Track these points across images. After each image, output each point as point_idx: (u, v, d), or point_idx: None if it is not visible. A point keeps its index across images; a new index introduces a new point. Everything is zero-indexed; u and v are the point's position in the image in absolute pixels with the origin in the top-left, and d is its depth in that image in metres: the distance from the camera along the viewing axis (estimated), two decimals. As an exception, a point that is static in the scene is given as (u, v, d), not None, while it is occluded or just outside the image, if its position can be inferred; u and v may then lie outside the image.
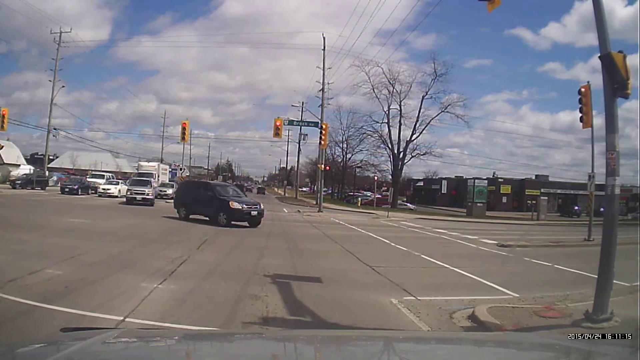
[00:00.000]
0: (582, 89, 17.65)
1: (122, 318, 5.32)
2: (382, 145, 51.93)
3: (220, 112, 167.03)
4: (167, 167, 60.54)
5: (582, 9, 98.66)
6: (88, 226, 15.30)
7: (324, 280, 8.49)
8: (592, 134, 20.31)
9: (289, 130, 59.30)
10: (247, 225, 18.38)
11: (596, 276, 8.70)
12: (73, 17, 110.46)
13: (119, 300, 6.08)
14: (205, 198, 19.22)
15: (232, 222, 17.96)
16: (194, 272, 8.40)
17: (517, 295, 8.06)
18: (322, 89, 37.50)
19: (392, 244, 15.34)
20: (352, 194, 62.60)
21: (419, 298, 7.38)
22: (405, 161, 50.96)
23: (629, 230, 18.54)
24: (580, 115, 17.18)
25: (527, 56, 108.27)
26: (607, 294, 6.35)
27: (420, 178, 79.66)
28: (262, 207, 19.43)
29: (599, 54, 6.50)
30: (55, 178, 50.41)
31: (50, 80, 44.83)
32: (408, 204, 56.10)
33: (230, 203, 18.18)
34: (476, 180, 45.11)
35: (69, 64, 78.16)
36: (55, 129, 47.23)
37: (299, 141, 56.35)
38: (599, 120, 18.33)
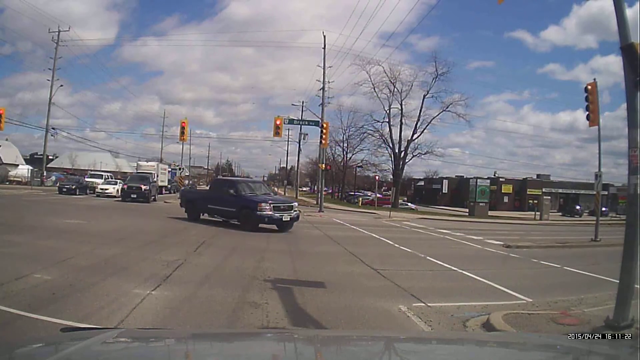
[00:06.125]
0: (589, 87, 17.27)
1: (110, 330, 4.91)
2: (383, 145, 51.66)
3: (223, 113, 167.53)
4: (167, 167, 60.11)
5: (581, 12, 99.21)
6: (83, 227, 14.88)
7: (327, 285, 8.08)
8: (599, 132, 19.94)
9: (289, 130, 58.95)
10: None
11: (608, 278, 8.51)
12: (81, 19, 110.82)
13: (109, 309, 5.67)
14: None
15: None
16: (191, 277, 7.98)
17: (531, 300, 7.68)
18: (323, 87, 37.16)
19: (396, 245, 14.93)
20: (352, 193, 62.22)
21: (429, 304, 6.97)
22: (407, 161, 50.66)
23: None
24: (587, 113, 16.81)
25: (528, 58, 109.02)
26: (629, 300, 5.98)
27: (421, 178, 79.41)
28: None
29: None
30: (53, 178, 50.04)
31: (48, 80, 44.61)
32: (409, 204, 55.80)
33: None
34: (478, 180, 44.74)
35: (74, 66, 78.49)
36: (53, 128, 47.13)
37: (299, 140, 55.96)
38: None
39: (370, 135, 52.29)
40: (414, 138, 49.34)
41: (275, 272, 8.95)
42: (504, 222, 33.79)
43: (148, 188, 30.30)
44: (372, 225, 23.16)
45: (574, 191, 64.24)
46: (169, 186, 50.39)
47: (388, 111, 49.46)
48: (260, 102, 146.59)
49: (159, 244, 12.16)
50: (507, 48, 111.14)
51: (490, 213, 41.64)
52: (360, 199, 52.44)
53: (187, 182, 59.06)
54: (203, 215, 18.76)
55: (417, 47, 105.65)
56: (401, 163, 50.33)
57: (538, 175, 68.90)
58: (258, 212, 15.95)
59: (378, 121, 50.65)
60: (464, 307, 7.01)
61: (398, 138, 49.99)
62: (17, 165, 59.54)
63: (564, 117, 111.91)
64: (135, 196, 29.69)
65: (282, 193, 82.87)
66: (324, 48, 37.25)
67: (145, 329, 4.11)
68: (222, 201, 17.32)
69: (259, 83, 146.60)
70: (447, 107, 47.83)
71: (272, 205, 16.26)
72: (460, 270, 10.48)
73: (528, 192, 62.83)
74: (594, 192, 22.86)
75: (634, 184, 5.98)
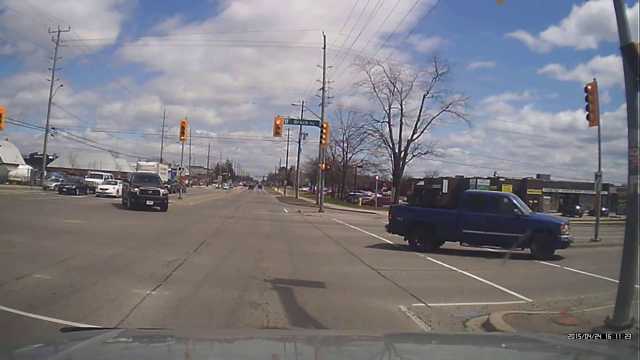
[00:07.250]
0: (589, 87, 17.27)
1: (109, 329, 4.91)
2: (383, 145, 51.61)
3: (223, 113, 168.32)
4: (167, 166, 60.14)
5: (581, 13, 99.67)
6: (82, 228, 14.88)
7: (327, 285, 8.08)
8: (599, 132, 19.93)
9: (289, 129, 59.08)
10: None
11: (608, 278, 8.51)
12: (82, 19, 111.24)
13: (108, 309, 5.67)
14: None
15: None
16: (190, 277, 7.98)
17: (530, 300, 7.67)
18: (323, 87, 37.20)
19: (396, 245, 14.89)
20: (352, 193, 62.20)
21: (429, 305, 6.97)
22: (407, 161, 50.63)
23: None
24: (587, 113, 16.81)
25: (528, 58, 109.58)
26: (629, 300, 5.98)
27: (421, 178, 79.36)
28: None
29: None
30: (53, 178, 50.03)
31: (48, 80, 44.57)
32: (409, 204, 55.66)
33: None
34: (478, 180, 44.80)
35: (74, 66, 79.12)
36: (53, 128, 47.02)
37: (299, 140, 56.05)
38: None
39: (370, 135, 52.29)
40: (414, 138, 49.30)
41: (275, 272, 8.95)
42: (504, 222, 33.69)
43: (166, 192, 23.89)
44: (372, 226, 23.09)
45: (574, 191, 64.14)
46: (169, 186, 50.41)
47: (388, 111, 49.43)
48: (260, 102, 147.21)
49: (158, 243, 12.16)
50: (508, 48, 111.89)
51: (490, 213, 41.54)
52: (360, 199, 52.41)
53: (186, 181, 58.98)
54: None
55: (418, 47, 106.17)
56: (401, 163, 50.29)
57: (538, 175, 68.80)
58: (560, 236, 13.05)
59: (378, 121, 50.62)
60: (464, 307, 7.02)
61: (398, 138, 49.98)
62: (17, 165, 59.53)
63: (564, 117, 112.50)
64: (151, 203, 22.83)
65: (282, 193, 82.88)
66: (324, 48, 37.34)
67: (145, 329, 4.11)
68: (493, 224, 13.23)
69: (259, 83, 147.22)
70: (447, 107, 47.73)
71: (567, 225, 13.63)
72: (460, 270, 10.47)
73: (528, 192, 62.56)
74: (594, 192, 22.85)
75: (634, 184, 5.98)
